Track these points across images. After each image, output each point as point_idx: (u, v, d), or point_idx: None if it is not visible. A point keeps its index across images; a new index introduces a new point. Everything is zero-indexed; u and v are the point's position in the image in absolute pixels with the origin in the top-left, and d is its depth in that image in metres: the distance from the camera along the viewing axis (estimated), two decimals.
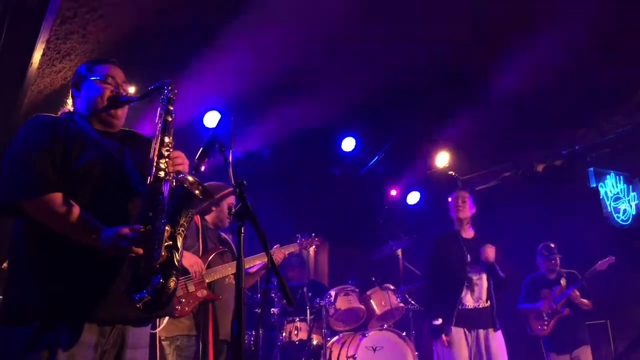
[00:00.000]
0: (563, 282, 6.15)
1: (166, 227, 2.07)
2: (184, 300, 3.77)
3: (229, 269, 4.03)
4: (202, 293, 3.84)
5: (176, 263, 2.09)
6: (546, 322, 6.08)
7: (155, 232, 2.05)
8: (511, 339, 4.74)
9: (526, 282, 6.48)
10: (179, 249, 2.11)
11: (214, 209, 4.22)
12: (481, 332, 4.43)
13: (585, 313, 6.27)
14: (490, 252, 4.54)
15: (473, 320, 4.44)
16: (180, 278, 3.68)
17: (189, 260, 3.84)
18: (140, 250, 2.02)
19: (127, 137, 2.52)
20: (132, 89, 2.62)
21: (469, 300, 4.49)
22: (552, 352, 6.13)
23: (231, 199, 4.22)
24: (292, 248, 4.74)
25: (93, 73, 2.44)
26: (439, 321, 4.46)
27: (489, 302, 4.54)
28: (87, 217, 2.11)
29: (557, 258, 6.33)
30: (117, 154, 2.34)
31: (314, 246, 4.94)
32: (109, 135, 2.42)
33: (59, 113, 2.50)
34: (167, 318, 3.73)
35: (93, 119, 2.41)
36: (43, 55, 4.83)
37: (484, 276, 4.58)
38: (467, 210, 4.82)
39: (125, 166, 2.32)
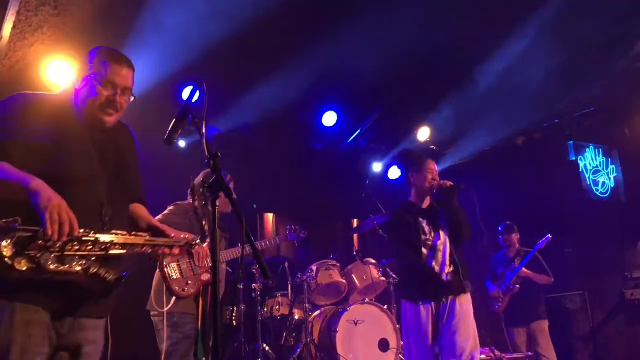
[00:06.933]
0: (517, 260, 6.59)
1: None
2: (190, 282, 3.99)
3: (226, 255, 4.41)
4: (206, 276, 4.03)
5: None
6: (500, 299, 6.59)
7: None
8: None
9: (490, 262, 6.95)
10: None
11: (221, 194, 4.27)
12: (449, 298, 4.22)
13: (545, 288, 6.63)
14: (447, 181, 4.34)
15: (440, 287, 4.24)
16: (188, 261, 4.01)
17: (198, 247, 3.93)
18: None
19: (115, 130, 2.51)
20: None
21: (434, 268, 4.28)
22: (509, 326, 6.59)
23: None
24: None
25: (98, 73, 2.37)
26: None
27: (452, 266, 4.31)
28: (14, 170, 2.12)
29: (513, 235, 6.79)
30: (87, 144, 2.36)
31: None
32: (95, 128, 2.41)
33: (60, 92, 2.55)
34: (173, 298, 3.91)
35: (83, 111, 2.40)
36: (14, 27, 4.70)
37: (446, 241, 4.37)
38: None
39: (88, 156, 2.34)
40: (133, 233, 2.29)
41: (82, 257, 2.08)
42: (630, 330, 7.40)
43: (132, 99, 2.46)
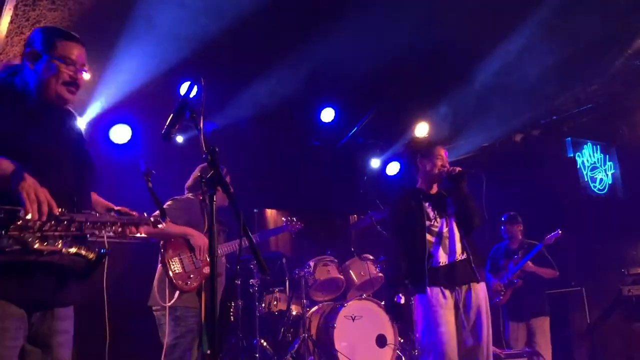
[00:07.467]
0: (521, 253, 6.43)
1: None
2: (192, 275, 4.05)
3: (225, 249, 4.45)
4: (207, 270, 4.01)
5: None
6: (502, 292, 6.42)
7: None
8: None
9: (491, 253, 6.76)
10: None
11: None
12: (464, 287, 3.94)
13: (548, 282, 6.50)
14: (456, 167, 4.13)
15: (450, 276, 3.94)
16: (190, 255, 4.09)
17: (199, 240, 4.09)
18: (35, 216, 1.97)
19: (67, 113, 2.50)
20: (87, 76, 2.51)
21: (441, 256, 3.99)
22: (510, 320, 6.50)
23: None
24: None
25: (53, 51, 2.33)
26: (402, 299, 4.01)
27: (464, 254, 3.99)
28: None
29: (516, 226, 6.62)
30: (49, 128, 2.34)
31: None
32: (49, 108, 2.39)
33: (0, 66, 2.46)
34: (177, 292, 3.96)
35: (40, 93, 2.34)
36: (11, 22, 4.70)
37: (454, 229, 4.09)
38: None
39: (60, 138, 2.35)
40: (102, 213, 2.30)
41: (59, 237, 2.06)
42: (628, 327, 7.42)
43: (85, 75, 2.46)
